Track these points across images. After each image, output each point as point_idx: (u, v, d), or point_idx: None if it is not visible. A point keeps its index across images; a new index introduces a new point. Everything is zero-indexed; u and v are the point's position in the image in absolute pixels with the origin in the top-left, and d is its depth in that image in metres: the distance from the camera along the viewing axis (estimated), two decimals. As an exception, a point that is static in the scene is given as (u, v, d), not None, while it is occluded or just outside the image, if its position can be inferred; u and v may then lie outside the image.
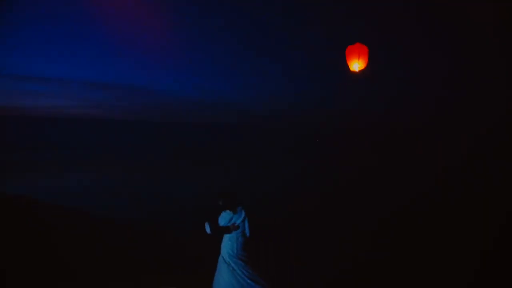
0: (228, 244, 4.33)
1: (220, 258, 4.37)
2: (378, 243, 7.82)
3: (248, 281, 4.16)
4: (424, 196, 14.37)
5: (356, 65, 6.68)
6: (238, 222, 4.32)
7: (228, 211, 4.37)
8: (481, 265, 6.28)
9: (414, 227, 9.12)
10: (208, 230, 4.27)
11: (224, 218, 4.37)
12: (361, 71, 6.80)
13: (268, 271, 4.52)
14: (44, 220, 9.08)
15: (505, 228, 8.71)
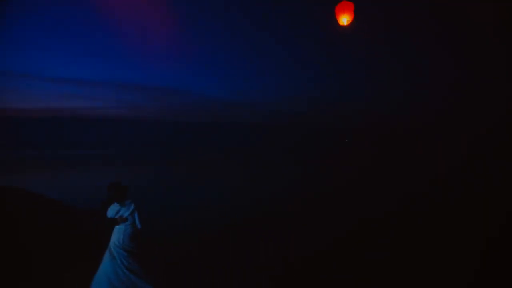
0: (115, 235, 4.46)
1: (108, 248, 4.49)
2: (378, 243, 7.82)
3: (125, 270, 4.29)
4: (424, 196, 14.38)
5: (344, 19, 7.26)
6: (126, 214, 4.48)
7: (116, 203, 4.54)
8: (481, 265, 6.28)
9: (414, 227, 9.13)
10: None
11: (112, 210, 4.55)
12: (349, 25, 7.38)
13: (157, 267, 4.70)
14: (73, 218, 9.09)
15: (505, 228, 8.71)
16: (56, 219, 9.25)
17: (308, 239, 8.19)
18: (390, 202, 13.17)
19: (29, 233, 7.32)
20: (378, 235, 8.51)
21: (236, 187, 18.87)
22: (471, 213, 10.73)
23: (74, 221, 9.44)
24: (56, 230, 8.10)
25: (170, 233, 8.97)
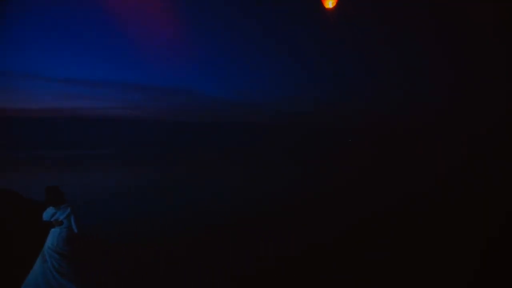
0: (50, 238, 4.49)
1: (41, 251, 4.51)
2: (378, 243, 7.83)
3: (55, 273, 4.28)
4: (424, 196, 14.39)
5: (330, 2, 7.41)
6: (62, 218, 4.51)
7: (52, 207, 4.57)
8: (481, 265, 6.29)
9: (414, 227, 9.13)
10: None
11: (47, 214, 4.58)
12: (335, 7, 7.54)
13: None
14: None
15: (505, 228, 8.71)
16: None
17: (308, 239, 8.20)
18: (390, 202, 13.17)
19: (22, 236, 7.32)
20: (378, 235, 8.51)
21: (236, 187, 18.88)
22: (471, 213, 10.74)
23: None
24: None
25: (170, 233, 8.98)
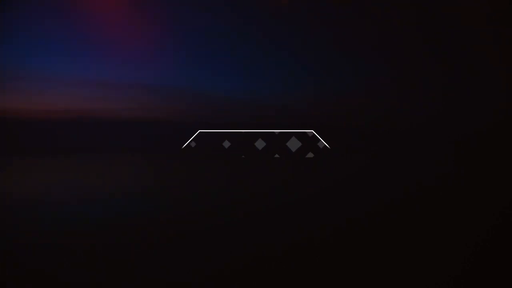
0: None
1: None
2: (377, 241, 7.84)
3: None
4: (422, 194, 14.41)
5: None
6: None
7: None
8: (480, 265, 6.31)
9: (413, 226, 9.15)
10: None
11: None
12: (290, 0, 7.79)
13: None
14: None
15: (505, 228, 8.74)
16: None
17: (307, 239, 8.21)
18: (388, 200, 13.19)
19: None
20: (377, 233, 8.53)
21: (235, 185, 18.91)
22: (471, 212, 10.76)
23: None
24: None
25: (170, 231, 9.00)
